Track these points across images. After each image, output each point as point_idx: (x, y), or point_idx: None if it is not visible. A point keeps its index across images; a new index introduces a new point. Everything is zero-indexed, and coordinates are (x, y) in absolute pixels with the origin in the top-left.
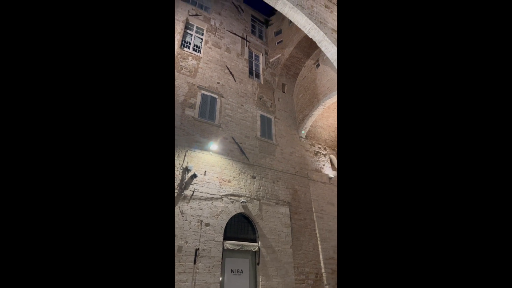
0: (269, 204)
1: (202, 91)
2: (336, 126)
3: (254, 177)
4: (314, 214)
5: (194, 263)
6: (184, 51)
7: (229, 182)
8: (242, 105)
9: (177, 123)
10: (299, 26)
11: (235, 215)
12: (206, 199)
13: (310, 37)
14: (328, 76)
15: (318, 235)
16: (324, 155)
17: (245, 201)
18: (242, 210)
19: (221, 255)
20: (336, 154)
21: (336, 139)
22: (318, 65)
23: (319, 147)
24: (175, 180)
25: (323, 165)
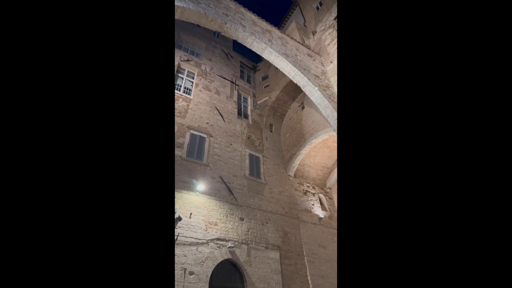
0: (258, 248)
1: (191, 131)
2: (323, 165)
3: (242, 219)
4: (305, 258)
5: None
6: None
7: (215, 225)
8: (231, 144)
9: None
10: (285, 72)
11: (221, 262)
12: (190, 244)
13: (295, 82)
14: (313, 118)
15: (310, 281)
16: (313, 194)
17: (233, 246)
18: (229, 256)
19: None
20: (324, 193)
21: (324, 178)
22: (303, 107)
23: (307, 186)
24: None
25: (313, 204)
